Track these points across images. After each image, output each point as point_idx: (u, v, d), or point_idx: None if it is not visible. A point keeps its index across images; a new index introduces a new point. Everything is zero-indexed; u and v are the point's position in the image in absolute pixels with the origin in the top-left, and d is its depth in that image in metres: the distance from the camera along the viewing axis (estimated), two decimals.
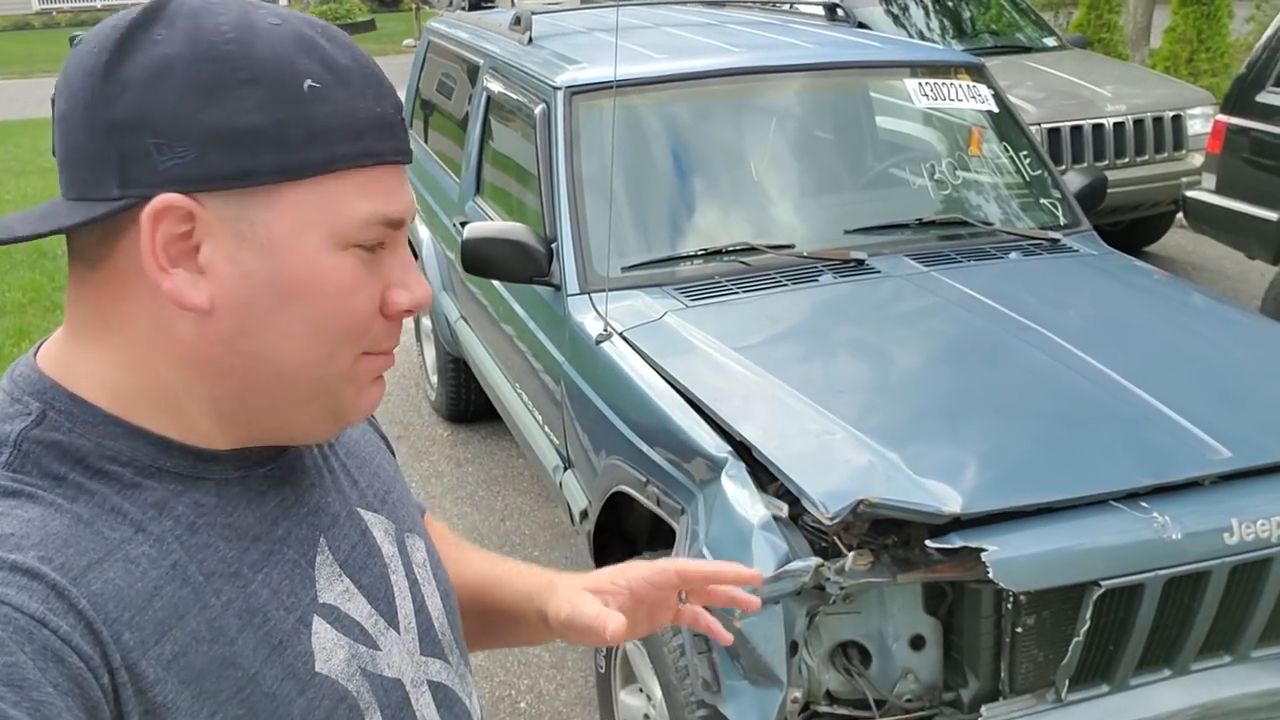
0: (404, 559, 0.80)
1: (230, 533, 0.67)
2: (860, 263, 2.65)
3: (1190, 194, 4.81)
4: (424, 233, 4.27)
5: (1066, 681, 1.79)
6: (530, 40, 3.39)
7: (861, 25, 3.83)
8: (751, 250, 2.69)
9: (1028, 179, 3.10)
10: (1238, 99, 4.54)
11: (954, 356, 2.20)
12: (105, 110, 0.61)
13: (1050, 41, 6.87)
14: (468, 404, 4.41)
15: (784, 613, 1.73)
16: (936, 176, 2.98)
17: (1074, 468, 1.81)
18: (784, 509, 1.79)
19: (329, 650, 0.69)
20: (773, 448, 1.89)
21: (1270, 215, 4.37)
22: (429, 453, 4.33)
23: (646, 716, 2.36)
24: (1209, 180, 4.71)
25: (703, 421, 2.07)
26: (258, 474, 0.71)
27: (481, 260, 2.69)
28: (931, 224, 2.86)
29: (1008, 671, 1.80)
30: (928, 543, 1.69)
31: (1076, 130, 5.57)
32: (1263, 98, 4.44)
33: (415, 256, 4.37)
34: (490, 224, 2.72)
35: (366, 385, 0.71)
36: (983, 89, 3.19)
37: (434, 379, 4.59)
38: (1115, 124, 5.66)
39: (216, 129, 0.61)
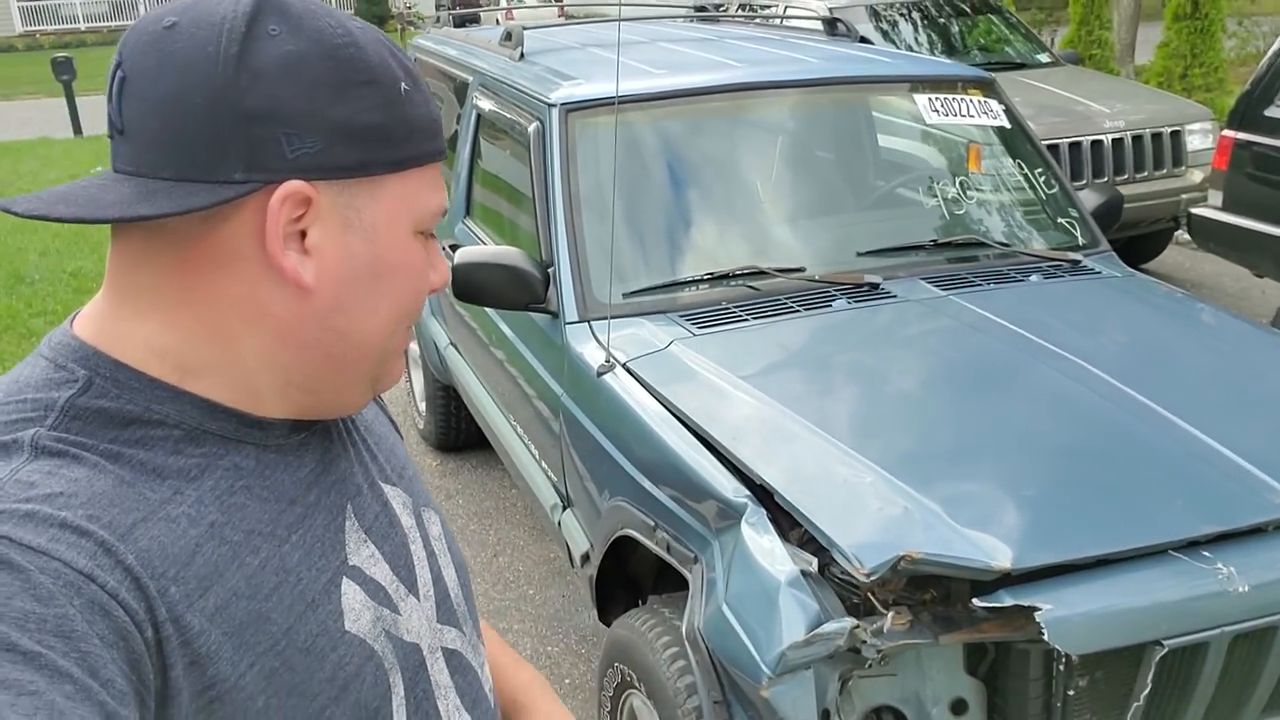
0: (421, 530, 0.84)
1: (268, 494, 0.70)
2: (875, 287, 2.51)
3: (1196, 211, 4.70)
4: None
5: None
6: (522, 56, 3.24)
7: (863, 40, 3.70)
8: (760, 274, 2.54)
9: (1044, 197, 2.97)
10: (1244, 114, 4.44)
11: (986, 389, 2.05)
12: (237, 98, 0.64)
13: (1043, 58, 6.79)
14: (457, 433, 4.24)
15: (815, 678, 1.57)
16: (950, 195, 2.84)
17: (1128, 514, 1.66)
18: (813, 563, 1.63)
19: (357, 611, 0.73)
20: (797, 493, 1.73)
21: (1278, 232, 4.26)
22: None
23: None
24: (1215, 197, 4.61)
25: (717, 462, 1.91)
26: (294, 441, 0.74)
27: (474, 287, 2.53)
28: (947, 245, 2.72)
29: None
30: (975, 602, 1.54)
31: (1075, 147, 5.47)
32: (1271, 112, 4.34)
33: None
34: (483, 248, 2.57)
35: (397, 357, 0.77)
36: (994, 104, 3.06)
37: (422, 407, 4.41)
38: (1114, 140, 5.57)
39: (341, 124, 0.67)
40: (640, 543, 2.14)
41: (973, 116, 2.98)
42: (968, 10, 7.07)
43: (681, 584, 2.40)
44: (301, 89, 0.65)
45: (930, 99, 2.94)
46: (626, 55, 3.21)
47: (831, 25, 3.71)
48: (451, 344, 3.65)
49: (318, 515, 0.73)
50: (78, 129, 12.47)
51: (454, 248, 3.39)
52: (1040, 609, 1.50)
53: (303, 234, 0.68)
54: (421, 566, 0.82)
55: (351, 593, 0.73)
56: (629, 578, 2.44)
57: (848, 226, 2.78)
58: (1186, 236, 6.22)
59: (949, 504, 1.66)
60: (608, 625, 2.48)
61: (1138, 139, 5.63)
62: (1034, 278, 2.62)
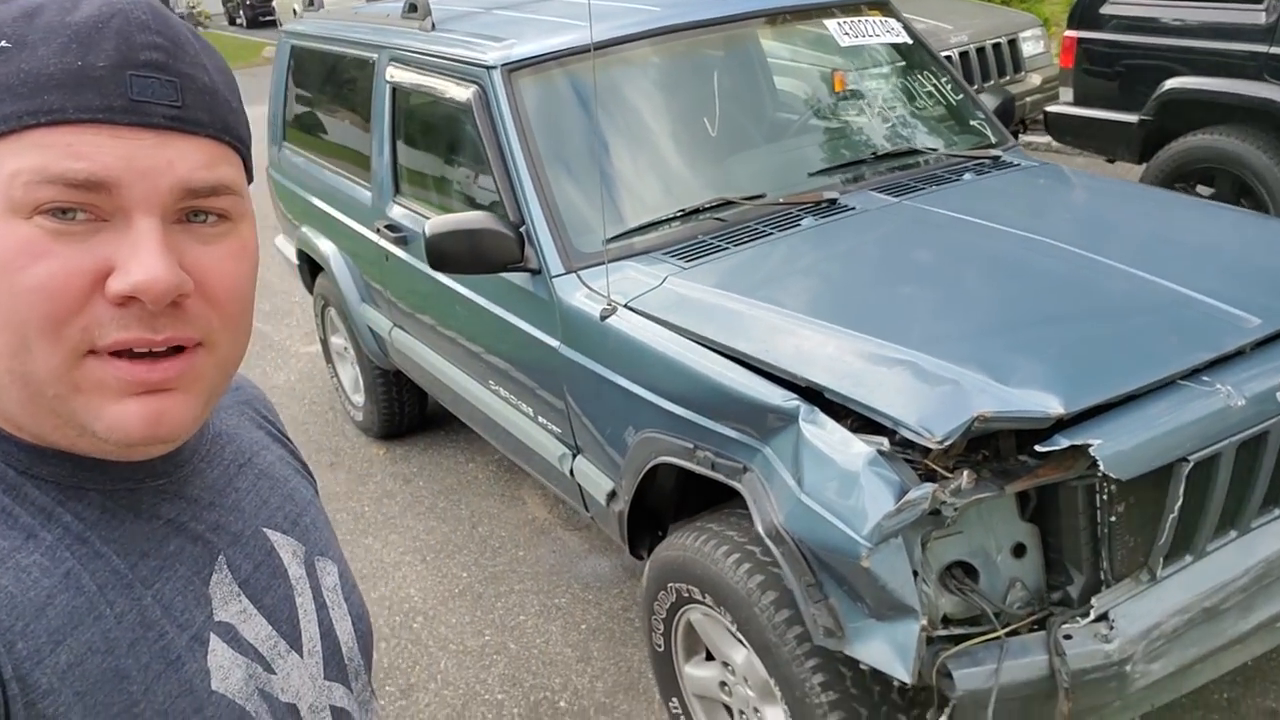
0: (312, 581, 0.79)
1: (119, 547, 0.64)
2: (833, 202, 2.67)
3: (1051, 109, 5.09)
4: (326, 245, 4.04)
5: (1161, 560, 1.86)
6: (433, 26, 3.23)
7: None
8: (726, 205, 2.66)
9: (953, 104, 3.19)
10: (1083, 13, 4.83)
11: (975, 274, 2.24)
12: None
13: None
14: (401, 418, 4.22)
15: (904, 543, 1.72)
16: (876, 112, 3.03)
17: (1138, 356, 1.88)
18: (884, 443, 1.78)
19: (225, 669, 0.67)
20: (848, 385, 1.88)
21: (1130, 118, 4.67)
22: (371, 474, 4.12)
23: (724, 684, 2.32)
24: (1066, 94, 5.00)
25: (754, 375, 2.03)
26: (149, 487, 0.67)
27: (449, 255, 2.55)
28: (884, 157, 2.91)
29: (1108, 561, 1.85)
30: (1038, 447, 1.72)
31: None
32: (1106, 10, 4.74)
33: (321, 270, 4.13)
34: (451, 216, 2.58)
35: (112, 398, 0.61)
36: (893, 23, 3.26)
37: (356, 399, 4.36)
38: (960, 53, 5.94)
39: None
40: (675, 468, 2.25)
41: (879, 36, 3.17)
42: None
43: (703, 506, 2.54)
44: None
45: (839, 23, 3.11)
46: (538, 13, 3.25)
47: None
48: (397, 327, 3.64)
49: (178, 567, 0.67)
50: None
51: (390, 228, 3.39)
52: (1093, 444, 1.70)
53: None
54: (308, 620, 0.77)
55: (220, 650, 0.67)
56: (648, 510, 2.54)
57: (791, 151, 2.93)
58: (1033, 139, 6.70)
59: (989, 369, 1.84)
60: (639, 558, 2.59)
61: (980, 50, 6.03)
62: (967, 176, 2.84)
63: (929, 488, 1.69)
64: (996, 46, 6.10)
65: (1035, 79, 6.21)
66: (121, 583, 0.63)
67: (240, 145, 0.66)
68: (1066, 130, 5.03)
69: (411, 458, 4.21)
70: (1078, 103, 4.93)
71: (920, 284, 2.23)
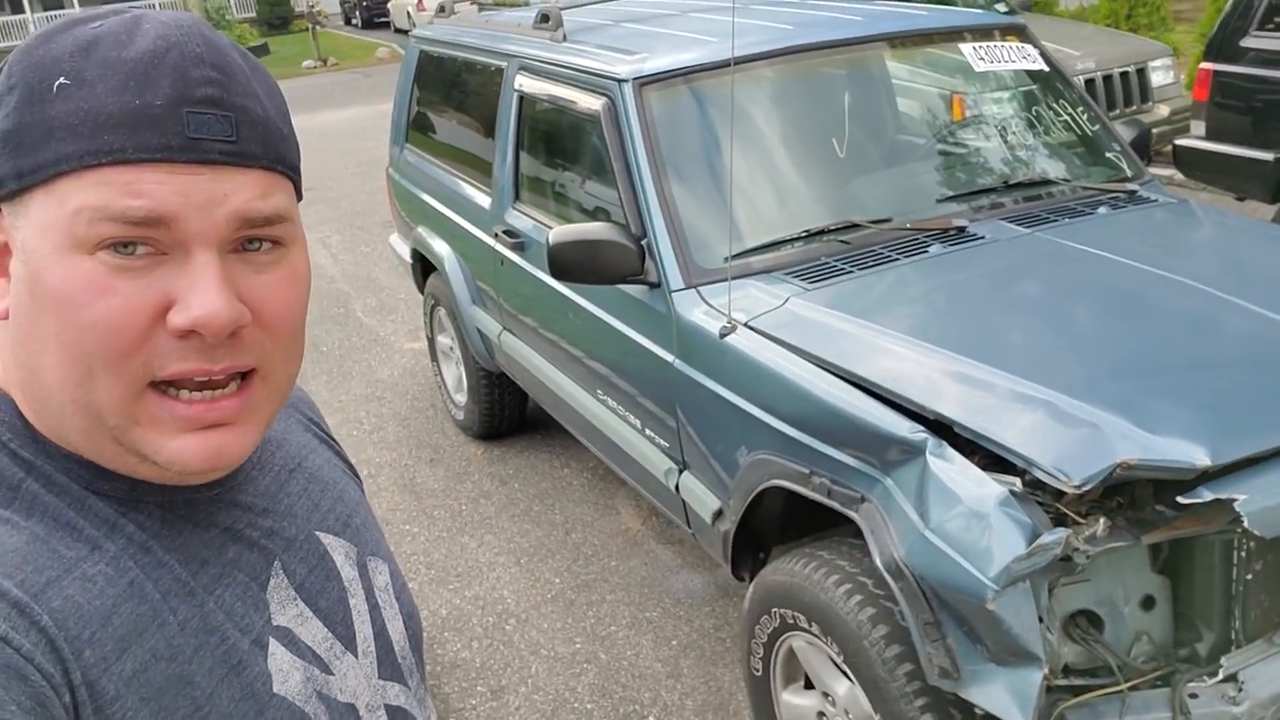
0: (365, 582, 0.80)
1: (180, 555, 0.66)
2: (962, 230, 2.62)
3: (1181, 142, 4.92)
4: (441, 247, 4.12)
5: None
6: (565, 37, 3.28)
7: None
8: (851, 228, 2.63)
9: (1089, 133, 3.11)
10: (1221, 46, 4.66)
11: (1111, 312, 2.17)
12: None
13: (1000, 7, 6.99)
14: (502, 419, 4.28)
15: (1031, 588, 1.67)
16: (1008, 139, 2.97)
17: None
18: (1017, 483, 1.73)
19: (285, 672, 0.69)
20: (980, 422, 1.83)
21: (1266, 156, 4.49)
22: (469, 473, 4.18)
23: (822, 715, 2.29)
24: (1198, 127, 4.83)
25: (879, 404, 2.00)
26: (205, 497, 0.69)
27: (571, 265, 2.58)
28: (1017, 186, 2.84)
29: (1240, 619, 1.77)
30: (1179, 498, 1.65)
31: None
32: (1246, 42, 4.56)
33: (433, 270, 4.21)
34: (574, 226, 2.61)
35: (171, 434, 0.63)
36: (1030, 49, 3.19)
37: (459, 398, 4.43)
38: (1086, 80, 5.78)
39: None
40: (789, 491, 2.23)
41: (1015, 62, 3.10)
42: None
43: (808, 530, 2.51)
44: None
45: (975, 48, 3.06)
46: (670, 27, 3.27)
47: None
48: (506, 330, 3.68)
49: (237, 574, 0.69)
50: None
51: (508, 233, 3.44)
52: (1238, 499, 1.63)
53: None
54: (362, 621, 0.78)
55: (279, 654, 0.69)
56: (752, 531, 2.52)
57: (918, 175, 2.88)
58: (1156, 171, 6.48)
59: (1130, 414, 1.78)
60: (740, 579, 2.57)
61: (1108, 78, 5.86)
62: (1101, 210, 2.75)
63: (1063, 533, 1.64)
64: (1124, 75, 5.93)
65: (1164, 110, 6.02)
66: (184, 590, 0.65)
67: (292, 172, 0.68)
68: (1196, 165, 4.86)
69: (509, 459, 4.26)
70: (1210, 137, 4.75)
71: (1054, 319, 2.17)
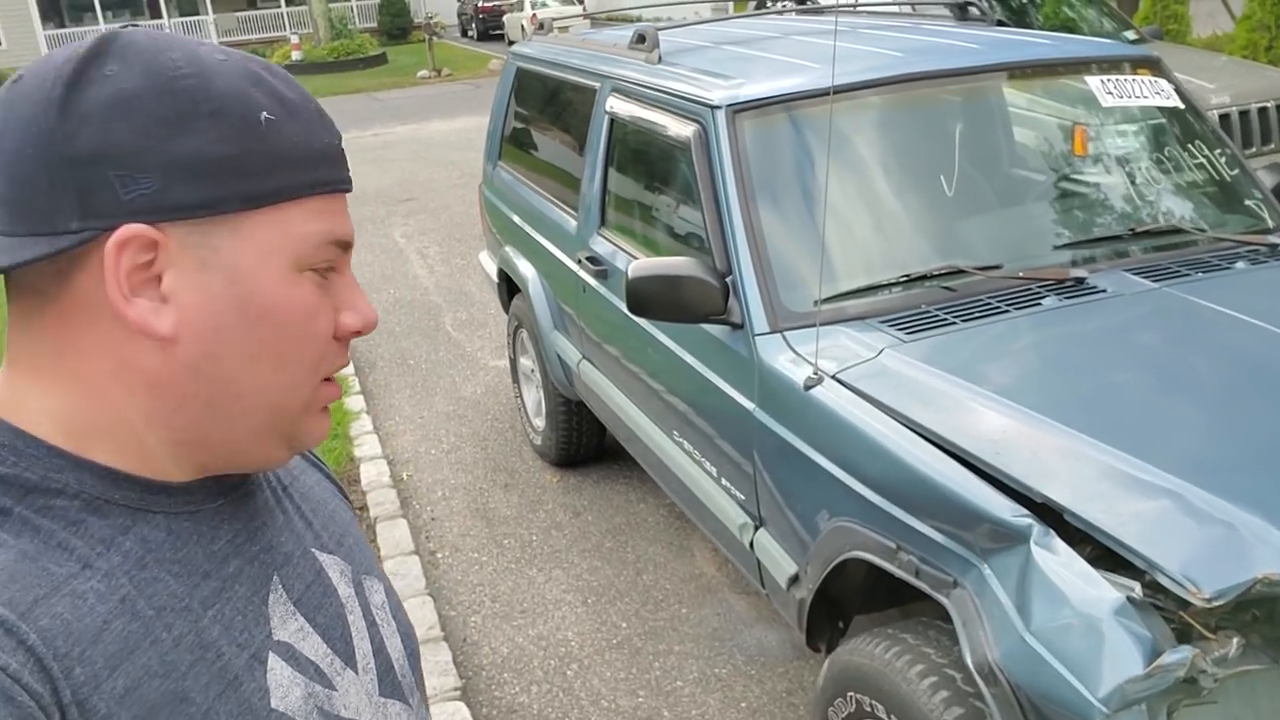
0: (361, 600, 0.81)
1: (180, 569, 0.66)
2: (1081, 281, 2.38)
3: None
4: (526, 268, 4.02)
5: None
6: (660, 59, 3.14)
7: (1000, 23, 3.55)
8: (957, 274, 2.41)
9: (1227, 179, 2.82)
10: None
11: (1252, 386, 1.91)
12: (62, 144, 0.61)
13: (1129, 35, 6.61)
14: (578, 448, 4.15)
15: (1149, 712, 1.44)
16: (1135, 180, 2.71)
17: None
18: (1136, 588, 1.51)
19: (285, 687, 0.69)
20: (1094, 511, 1.61)
21: None
22: (542, 502, 4.06)
23: None
24: None
25: (977, 479, 1.79)
26: (209, 509, 0.71)
27: (650, 300, 2.43)
28: (1144, 234, 2.58)
29: None
30: None
31: None
32: None
33: (518, 291, 4.12)
34: (655, 260, 2.46)
35: (319, 414, 0.72)
36: (1163, 84, 2.92)
37: (537, 423, 4.32)
38: (1221, 115, 5.40)
39: (181, 160, 0.62)
40: (871, 565, 2.03)
41: (1147, 97, 2.84)
42: None
43: (890, 604, 2.30)
44: (132, 127, 0.62)
45: (1103, 81, 2.80)
46: (771, 51, 3.10)
47: (963, 10, 3.57)
48: (586, 359, 3.55)
49: (238, 588, 0.70)
50: None
51: (591, 259, 3.31)
52: None
53: (161, 279, 0.64)
54: (361, 638, 0.79)
55: (279, 669, 0.69)
56: (831, 599, 2.33)
57: (1034, 219, 2.65)
58: None
59: (1271, 514, 1.53)
60: (815, 650, 2.37)
61: (1244, 114, 5.46)
62: (1240, 264, 2.48)
63: (1188, 652, 1.42)
64: (1263, 111, 5.52)
65: None
66: (179, 605, 0.65)
67: None
68: None
69: (584, 489, 4.12)
70: None
71: (1182, 391, 1.92)
